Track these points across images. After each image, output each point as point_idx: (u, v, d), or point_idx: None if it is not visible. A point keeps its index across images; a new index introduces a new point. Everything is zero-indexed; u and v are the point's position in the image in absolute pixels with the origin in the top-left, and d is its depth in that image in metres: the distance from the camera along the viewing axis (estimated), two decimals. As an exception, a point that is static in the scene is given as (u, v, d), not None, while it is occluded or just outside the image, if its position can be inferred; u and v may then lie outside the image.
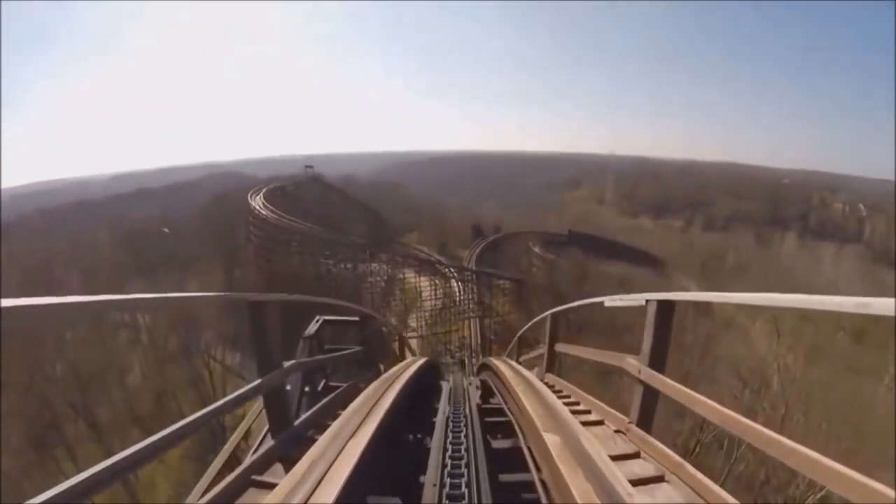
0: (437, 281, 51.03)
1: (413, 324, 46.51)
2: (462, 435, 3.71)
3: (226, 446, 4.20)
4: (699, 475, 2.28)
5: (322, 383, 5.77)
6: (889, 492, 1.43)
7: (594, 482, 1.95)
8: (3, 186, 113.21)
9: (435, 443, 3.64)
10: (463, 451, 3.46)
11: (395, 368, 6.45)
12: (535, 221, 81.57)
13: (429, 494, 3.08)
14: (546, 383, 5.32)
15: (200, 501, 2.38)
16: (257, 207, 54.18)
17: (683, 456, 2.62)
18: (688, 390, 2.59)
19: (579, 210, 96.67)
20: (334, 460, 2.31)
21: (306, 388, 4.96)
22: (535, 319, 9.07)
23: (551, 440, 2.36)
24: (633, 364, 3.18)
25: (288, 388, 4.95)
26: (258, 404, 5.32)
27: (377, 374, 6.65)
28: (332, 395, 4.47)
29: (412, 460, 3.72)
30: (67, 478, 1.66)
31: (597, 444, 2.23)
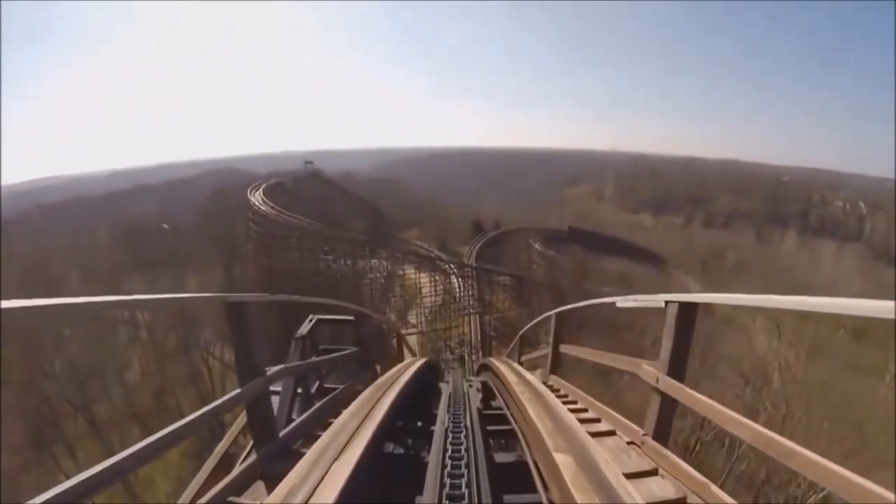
0: (436, 277, 50.79)
1: (413, 320, 46.38)
2: (462, 448, 3.43)
3: (215, 451, 3.96)
4: (724, 496, 2.10)
5: (316, 385, 5.58)
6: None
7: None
8: (3, 184, 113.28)
9: (433, 459, 3.34)
10: (463, 468, 3.20)
11: (392, 371, 6.18)
12: (536, 218, 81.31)
13: None
14: (550, 386, 5.17)
15: None
16: (257, 203, 53.98)
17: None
18: (715, 404, 2.35)
19: (580, 206, 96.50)
20: (320, 481, 2.12)
21: (299, 391, 4.76)
22: (537, 319, 8.89)
23: (562, 461, 2.15)
24: (650, 371, 2.95)
25: (279, 389, 4.79)
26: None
27: (374, 376, 6.38)
28: (324, 401, 4.25)
29: (408, 477, 3.49)
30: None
31: (614, 467, 2.03)
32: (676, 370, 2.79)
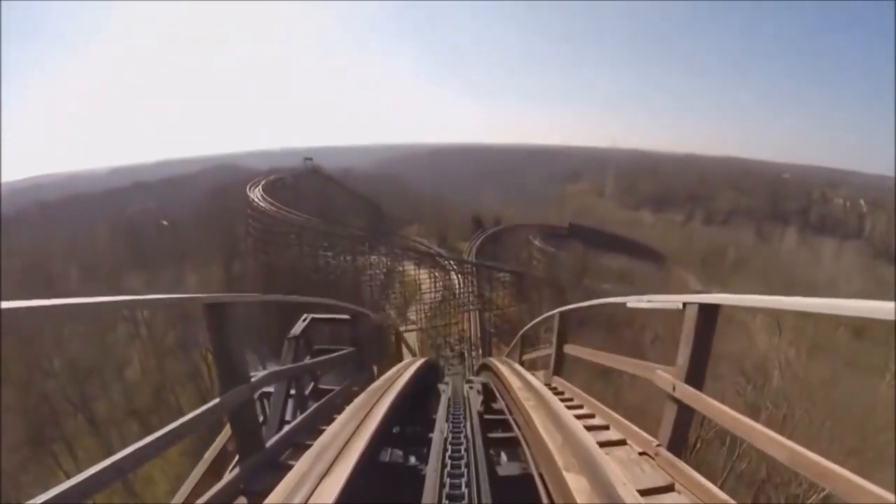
0: (436, 273, 50.71)
1: (412, 317, 46.34)
2: (462, 463, 3.20)
3: (206, 455, 3.84)
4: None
5: (311, 386, 5.47)
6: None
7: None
8: (3, 181, 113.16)
9: (430, 474, 3.08)
10: (464, 488, 2.97)
11: (390, 372, 6.01)
12: (536, 214, 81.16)
13: None
14: (554, 388, 5.05)
15: None
16: (256, 200, 53.83)
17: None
18: (744, 418, 2.16)
19: (580, 203, 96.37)
20: (306, 501, 1.95)
21: (292, 392, 4.61)
22: (538, 318, 8.75)
23: (575, 483, 1.97)
24: (666, 378, 2.75)
25: (271, 390, 4.64)
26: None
27: (371, 377, 6.24)
28: (314, 407, 4.06)
29: (404, 493, 3.27)
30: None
31: (631, 489, 1.86)
32: (695, 377, 2.61)
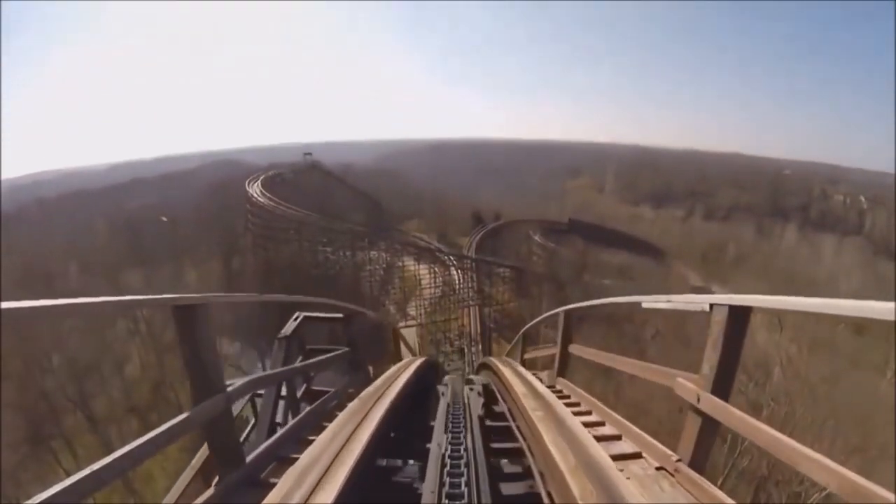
0: (436, 269, 50.62)
1: (412, 312, 46.30)
2: (463, 481, 2.89)
3: (192, 463, 3.66)
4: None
5: (303, 388, 5.29)
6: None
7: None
8: (3, 178, 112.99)
9: (427, 497, 2.81)
10: None
11: (386, 375, 5.79)
12: (536, 209, 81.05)
13: None
14: (559, 391, 4.92)
15: None
16: (255, 195, 53.68)
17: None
18: (783, 437, 1.92)
19: (580, 198, 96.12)
20: None
21: (283, 393, 4.43)
22: (541, 317, 8.60)
23: None
24: (688, 388, 2.51)
25: (260, 394, 4.41)
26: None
27: (367, 379, 6.03)
28: (302, 415, 3.82)
29: None
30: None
31: None
32: (722, 387, 2.36)
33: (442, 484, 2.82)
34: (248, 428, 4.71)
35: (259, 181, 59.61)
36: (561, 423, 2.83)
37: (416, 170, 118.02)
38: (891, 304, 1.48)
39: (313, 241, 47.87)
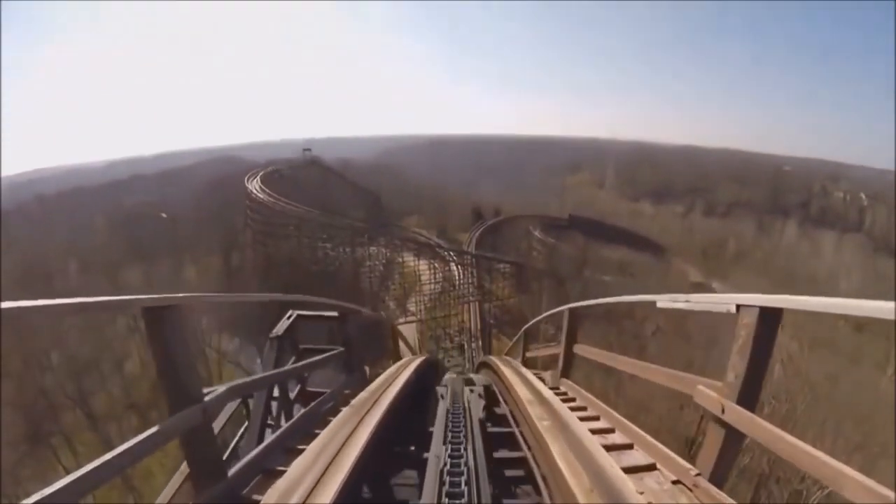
0: (436, 265, 50.51)
1: (412, 308, 46.27)
2: (463, 500, 2.71)
3: (181, 468, 3.61)
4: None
5: (297, 388, 5.08)
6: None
7: None
8: (2, 175, 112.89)
9: None
10: None
11: (383, 376, 5.67)
12: (536, 205, 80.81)
13: None
14: (564, 393, 4.83)
15: None
16: (254, 191, 53.52)
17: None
18: (829, 459, 1.71)
19: (580, 194, 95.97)
20: None
21: (276, 394, 4.25)
22: (544, 314, 8.50)
23: None
24: (711, 397, 2.31)
25: (252, 398, 4.24)
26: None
27: (362, 380, 5.85)
28: (290, 423, 3.59)
29: None
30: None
31: None
32: (748, 397, 2.17)
33: (440, 496, 2.63)
34: (241, 431, 4.48)
35: (258, 177, 59.39)
36: (570, 433, 2.70)
37: (416, 165, 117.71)
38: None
39: (313, 237, 47.73)
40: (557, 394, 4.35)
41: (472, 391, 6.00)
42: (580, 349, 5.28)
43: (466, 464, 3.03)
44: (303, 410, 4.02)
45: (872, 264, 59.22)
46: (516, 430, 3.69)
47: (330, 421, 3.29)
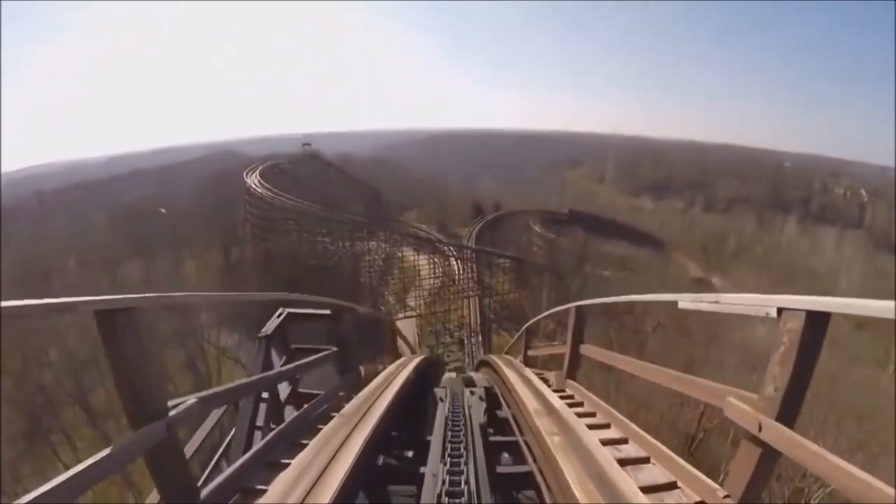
0: (436, 259, 50.43)
1: (412, 303, 46.20)
2: None
3: None
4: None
5: (289, 391, 4.83)
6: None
7: None
8: (2, 171, 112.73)
9: None
10: None
11: (379, 378, 5.47)
12: (536, 200, 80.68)
13: None
14: (570, 396, 4.64)
15: None
16: (253, 186, 53.26)
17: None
18: (868, 476, 1.49)
19: (580, 189, 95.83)
20: None
21: (265, 395, 4.02)
22: (548, 312, 8.30)
23: None
24: (745, 412, 2.03)
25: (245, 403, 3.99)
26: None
27: (357, 381, 5.61)
28: (277, 430, 3.33)
29: None
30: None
31: None
32: (788, 413, 1.90)
33: None
34: (228, 438, 4.18)
35: (257, 172, 59.10)
36: (583, 449, 2.47)
37: (416, 160, 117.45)
38: None
39: (312, 231, 47.59)
40: (563, 397, 4.16)
41: (472, 393, 5.77)
42: (587, 350, 5.05)
43: (467, 482, 2.78)
44: (289, 419, 3.76)
45: (872, 261, 59.15)
46: (520, 440, 3.50)
47: (319, 430, 3.10)
